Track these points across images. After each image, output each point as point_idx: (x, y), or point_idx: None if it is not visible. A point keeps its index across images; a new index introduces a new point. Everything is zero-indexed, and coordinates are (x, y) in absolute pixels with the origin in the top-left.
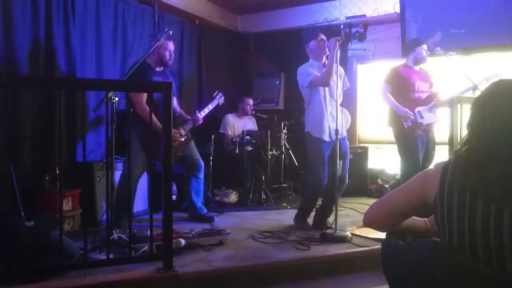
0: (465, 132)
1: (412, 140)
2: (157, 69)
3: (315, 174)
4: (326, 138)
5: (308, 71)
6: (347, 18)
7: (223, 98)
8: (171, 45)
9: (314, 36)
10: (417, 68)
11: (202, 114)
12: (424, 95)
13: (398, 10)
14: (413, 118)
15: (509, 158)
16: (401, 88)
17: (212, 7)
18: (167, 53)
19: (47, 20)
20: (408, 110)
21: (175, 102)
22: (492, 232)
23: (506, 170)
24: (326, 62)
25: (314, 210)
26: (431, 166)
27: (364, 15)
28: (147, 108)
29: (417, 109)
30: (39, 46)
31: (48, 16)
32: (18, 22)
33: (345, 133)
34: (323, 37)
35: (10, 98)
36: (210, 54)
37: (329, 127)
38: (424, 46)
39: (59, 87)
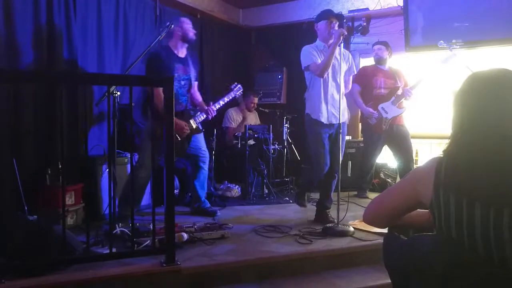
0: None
1: (375, 136)
2: (180, 54)
3: (317, 155)
4: (324, 120)
5: (309, 53)
6: (350, 11)
7: (241, 90)
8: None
9: (326, 17)
10: (385, 66)
11: (216, 106)
12: (386, 91)
13: (401, 3)
14: (377, 115)
15: (504, 155)
16: (366, 86)
17: (213, 0)
18: (191, 28)
19: (48, 15)
20: (371, 109)
21: (195, 88)
22: (492, 235)
23: (502, 169)
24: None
25: (315, 204)
26: (425, 162)
27: (367, 9)
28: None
29: (380, 106)
30: (41, 40)
31: (49, 10)
32: (19, 16)
33: (345, 118)
34: (334, 21)
35: (12, 93)
36: (212, 48)
37: (327, 110)
38: (376, 46)
39: (61, 81)
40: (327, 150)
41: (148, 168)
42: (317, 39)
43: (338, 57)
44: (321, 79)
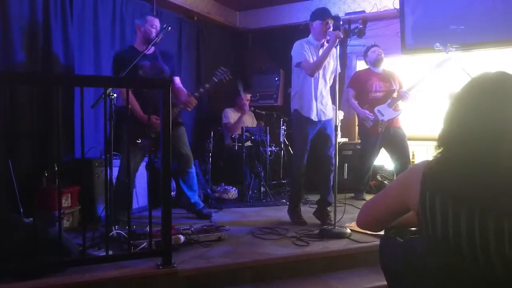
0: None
1: (372, 139)
2: (146, 51)
3: (298, 152)
4: (314, 117)
5: (302, 49)
6: (346, 14)
7: (227, 73)
8: (156, 22)
9: (322, 17)
10: (379, 69)
11: (195, 95)
12: (382, 94)
13: (397, 6)
14: (372, 117)
15: (491, 159)
16: (361, 90)
17: (210, 3)
18: (153, 30)
19: (45, 17)
20: (366, 112)
21: (177, 81)
22: (478, 240)
23: (488, 172)
24: (325, 44)
25: (313, 206)
26: (415, 163)
27: (363, 11)
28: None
29: (376, 108)
30: (37, 43)
31: (45, 12)
32: (16, 18)
33: (331, 115)
34: (330, 22)
35: (8, 95)
36: (209, 50)
37: (317, 108)
38: (374, 48)
39: (57, 83)
40: (308, 144)
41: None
42: (310, 35)
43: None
44: (311, 77)
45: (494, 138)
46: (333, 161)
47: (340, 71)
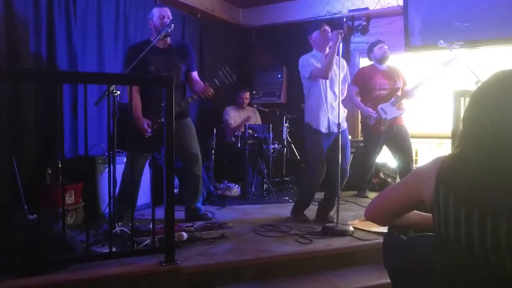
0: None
1: (375, 137)
2: (161, 45)
3: (313, 165)
4: (324, 130)
5: (309, 61)
6: (350, 11)
7: (230, 74)
8: (164, 11)
9: (318, 27)
10: (383, 66)
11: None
12: (386, 92)
13: (401, 3)
14: (375, 115)
15: (504, 159)
16: (365, 88)
17: (214, 0)
18: (161, 21)
19: (49, 14)
20: (370, 109)
21: (195, 74)
22: (490, 242)
23: (501, 173)
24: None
25: (315, 204)
26: (429, 160)
27: (366, 8)
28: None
29: (379, 106)
30: (41, 40)
31: (49, 9)
32: (20, 15)
33: (345, 126)
34: (327, 27)
35: (12, 92)
36: (212, 47)
37: (328, 119)
38: (381, 45)
39: (61, 80)
40: (324, 158)
41: (134, 168)
42: (313, 49)
43: (335, 67)
44: (320, 88)
45: (506, 138)
46: (347, 174)
47: (349, 81)
